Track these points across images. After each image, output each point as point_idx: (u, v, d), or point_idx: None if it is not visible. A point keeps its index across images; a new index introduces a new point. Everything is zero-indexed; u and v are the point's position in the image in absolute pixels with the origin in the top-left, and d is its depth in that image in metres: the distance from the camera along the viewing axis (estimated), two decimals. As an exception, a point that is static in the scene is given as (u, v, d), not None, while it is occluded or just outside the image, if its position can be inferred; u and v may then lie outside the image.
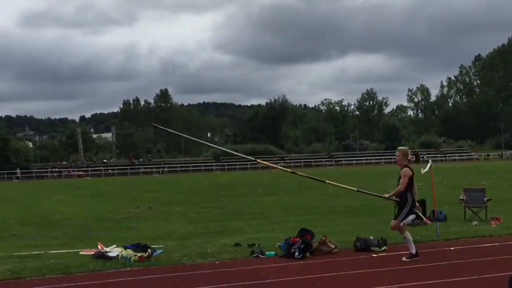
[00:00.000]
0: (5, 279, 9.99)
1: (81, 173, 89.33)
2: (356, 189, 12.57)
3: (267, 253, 11.69)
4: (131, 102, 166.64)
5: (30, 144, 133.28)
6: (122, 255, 11.30)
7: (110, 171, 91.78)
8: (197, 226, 17.37)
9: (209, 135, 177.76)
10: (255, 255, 11.62)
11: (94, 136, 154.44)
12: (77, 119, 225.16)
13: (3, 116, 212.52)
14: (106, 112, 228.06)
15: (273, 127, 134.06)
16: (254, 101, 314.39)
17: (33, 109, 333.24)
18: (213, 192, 33.68)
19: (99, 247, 12.38)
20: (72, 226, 18.57)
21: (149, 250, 11.52)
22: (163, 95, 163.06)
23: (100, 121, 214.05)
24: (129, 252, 11.33)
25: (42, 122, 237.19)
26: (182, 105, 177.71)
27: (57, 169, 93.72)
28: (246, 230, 15.76)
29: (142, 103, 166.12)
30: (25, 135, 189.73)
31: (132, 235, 15.46)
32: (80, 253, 12.36)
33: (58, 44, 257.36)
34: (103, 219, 20.68)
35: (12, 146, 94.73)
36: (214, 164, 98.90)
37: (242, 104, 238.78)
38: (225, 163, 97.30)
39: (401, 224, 10.88)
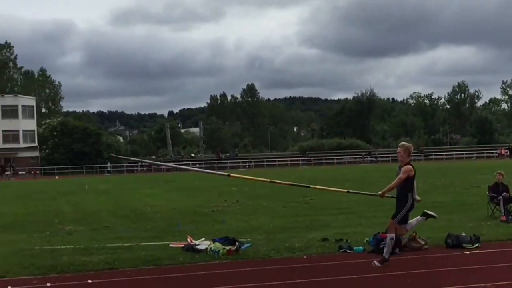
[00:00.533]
0: (100, 269, 10.33)
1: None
2: (346, 190, 12.22)
3: (355, 248, 11.56)
4: (218, 97, 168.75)
5: (121, 139, 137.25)
6: (210, 248, 11.44)
7: (197, 165, 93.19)
8: (284, 220, 17.35)
9: (295, 129, 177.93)
10: (343, 250, 11.52)
11: (182, 130, 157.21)
12: (165, 114, 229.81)
13: (96, 112, 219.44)
14: (193, 107, 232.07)
15: (360, 121, 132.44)
16: (341, 95, 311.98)
17: (123, 105, 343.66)
18: (298, 187, 33.54)
19: (188, 240, 12.55)
20: (161, 219, 18.92)
21: (237, 243, 11.62)
22: (250, 90, 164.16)
23: (187, 116, 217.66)
24: (218, 245, 11.46)
25: (132, 117, 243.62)
26: (269, 99, 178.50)
27: (146, 163, 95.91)
28: (333, 225, 15.63)
29: (229, 98, 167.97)
30: (116, 130, 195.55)
31: (220, 228, 15.60)
32: (170, 245, 12.58)
33: (147, 41, 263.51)
34: (192, 213, 20.96)
35: (104, 140, 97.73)
36: (300, 158, 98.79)
37: (329, 98, 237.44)
38: (312, 158, 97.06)
39: (397, 226, 10.32)
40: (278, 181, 10.53)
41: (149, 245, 12.80)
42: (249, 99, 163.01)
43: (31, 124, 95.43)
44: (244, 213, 20.29)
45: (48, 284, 9.32)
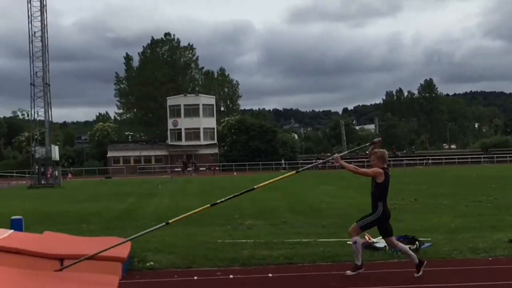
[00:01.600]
0: (279, 264, 10.53)
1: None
2: (295, 171, 11.06)
3: (546, 251, 10.83)
4: (394, 93, 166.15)
5: (296, 136, 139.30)
6: (389, 246, 11.23)
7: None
8: (466, 219, 16.64)
9: (476, 125, 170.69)
10: (533, 253, 10.84)
11: (357, 127, 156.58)
12: (340, 111, 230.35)
13: (271, 110, 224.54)
14: (368, 104, 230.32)
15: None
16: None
17: (298, 102, 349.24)
18: (482, 185, 32.10)
19: (366, 237, 12.40)
20: (338, 216, 18.88)
21: (417, 242, 11.36)
22: (428, 85, 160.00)
23: (362, 113, 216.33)
24: (397, 243, 11.22)
25: (306, 115, 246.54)
26: (447, 95, 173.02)
27: (321, 160, 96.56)
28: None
29: (406, 93, 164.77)
30: (291, 127, 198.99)
31: (399, 227, 15.23)
32: (347, 242, 12.49)
33: (322, 38, 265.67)
34: (368, 211, 20.69)
35: (280, 138, 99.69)
36: (482, 156, 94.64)
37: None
38: (495, 155, 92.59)
39: (360, 230, 9.76)
40: (218, 201, 9.86)
41: (326, 241, 12.83)
42: (427, 94, 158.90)
43: (211, 122, 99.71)
44: (423, 211, 19.74)
45: (231, 276, 9.63)
